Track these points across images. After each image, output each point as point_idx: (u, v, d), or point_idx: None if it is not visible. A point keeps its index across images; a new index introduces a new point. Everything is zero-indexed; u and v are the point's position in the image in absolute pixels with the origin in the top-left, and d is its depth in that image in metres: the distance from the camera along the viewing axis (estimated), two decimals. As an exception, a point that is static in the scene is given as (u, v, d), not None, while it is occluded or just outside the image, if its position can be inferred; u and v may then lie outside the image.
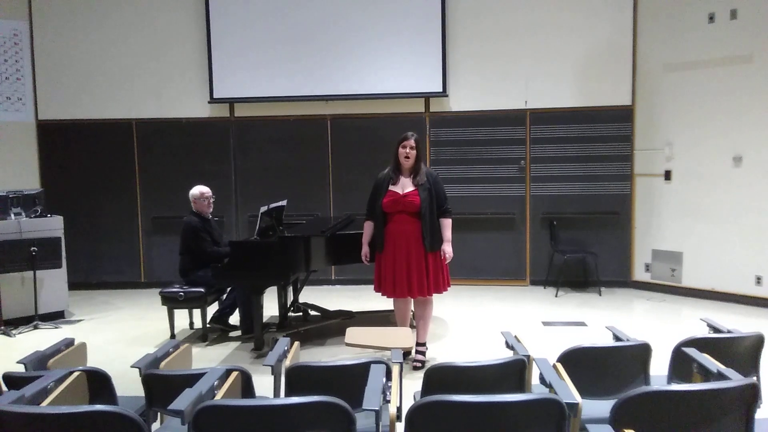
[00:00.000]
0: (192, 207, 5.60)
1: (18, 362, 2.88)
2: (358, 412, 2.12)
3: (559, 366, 2.55)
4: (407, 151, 4.48)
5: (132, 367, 2.74)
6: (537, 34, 7.12)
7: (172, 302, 5.36)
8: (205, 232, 5.49)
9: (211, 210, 5.71)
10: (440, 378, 2.59)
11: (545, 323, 5.82)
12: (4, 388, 2.66)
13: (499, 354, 2.92)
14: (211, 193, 5.66)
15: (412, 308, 4.80)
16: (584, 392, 2.37)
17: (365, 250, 4.70)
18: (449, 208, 4.59)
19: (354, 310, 5.90)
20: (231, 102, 7.50)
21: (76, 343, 3.21)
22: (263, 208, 5.14)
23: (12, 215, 6.06)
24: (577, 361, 2.70)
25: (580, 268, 7.19)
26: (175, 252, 5.87)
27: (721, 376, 2.36)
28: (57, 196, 7.18)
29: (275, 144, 7.50)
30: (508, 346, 3.00)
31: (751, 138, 6.24)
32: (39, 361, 2.90)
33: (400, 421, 2.23)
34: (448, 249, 4.54)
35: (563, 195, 7.21)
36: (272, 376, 2.80)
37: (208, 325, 5.47)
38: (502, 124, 7.24)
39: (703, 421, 2.17)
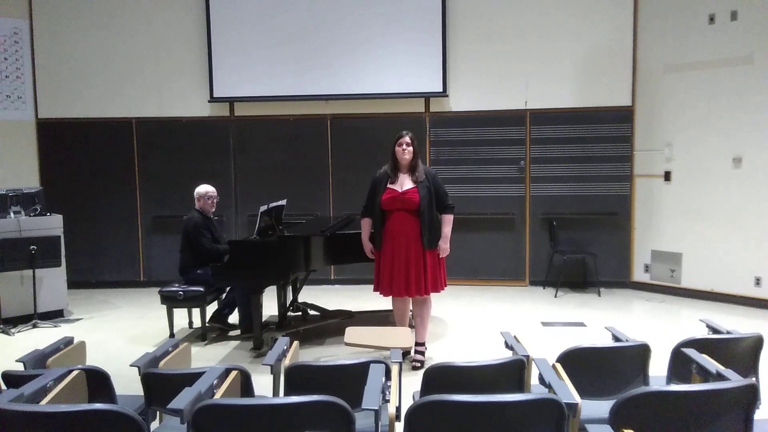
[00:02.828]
0: (196, 204, 5.63)
1: (17, 361, 2.88)
2: (358, 411, 2.12)
3: (559, 366, 2.55)
4: (404, 147, 4.52)
5: (131, 366, 2.74)
6: (537, 34, 7.12)
7: (171, 301, 5.36)
8: (206, 229, 5.51)
9: (214, 209, 5.74)
10: (439, 378, 2.59)
11: (544, 323, 5.82)
12: (3, 387, 2.66)
13: (499, 354, 2.92)
14: (216, 194, 5.71)
15: (411, 308, 4.80)
16: (583, 392, 2.37)
17: (368, 246, 4.70)
18: (452, 205, 4.60)
19: (353, 309, 5.90)
20: (231, 101, 7.50)
21: (75, 341, 3.21)
22: (263, 208, 5.14)
23: (11, 214, 6.06)
24: (576, 362, 2.70)
25: (579, 269, 7.19)
26: (174, 251, 5.87)
27: (720, 377, 2.36)
28: (56, 194, 7.17)
29: (275, 143, 7.50)
30: (508, 346, 3.00)
31: (751, 139, 6.24)
32: (38, 360, 2.89)
33: (399, 420, 2.23)
34: (444, 245, 4.54)
35: (563, 195, 7.21)
36: (271, 376, 2.80)
37: (207, 325, 5.47)
38: (502, 125, 7.24)
39: (702, 421, 2.17)
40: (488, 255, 7.35)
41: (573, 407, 2.11)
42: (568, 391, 2.23)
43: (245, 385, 2.59)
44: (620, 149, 7.11)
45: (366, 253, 4.74)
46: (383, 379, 2.40)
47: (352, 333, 3.66)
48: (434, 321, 5.58)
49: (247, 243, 5.31)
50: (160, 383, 2.63)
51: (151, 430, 2.63)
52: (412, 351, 4.63)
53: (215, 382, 2.34)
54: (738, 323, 4.62)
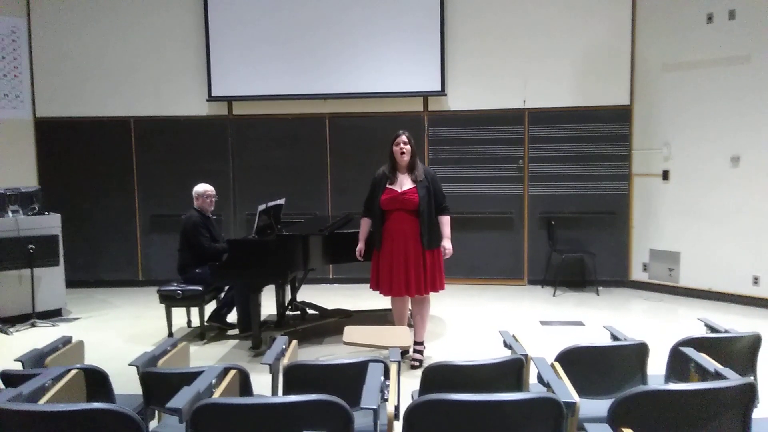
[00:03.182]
0: (194, 203, 5.62)
1: (15, 360, 2.87)
2: (356, 410, 2.12)
3: (557, 365, 2.55)
4: (401, 147, 4.52)
5: (130, 365, 2.74)
6: (536, 33, 7.13)
7: (169, 300, 5.36)
8: (204, 228, 5.50)
9: (212, 208, 5.73)
10: (438, 377, 2.59)
11: (543, 323, 5.83)
12: (2, 386, 2.65)
13: (497, 353, 2.92)
14: (214, 192, 5.71)
15: (410, 307, 4.81)
16: (582, 391, 2.37)
17: (360, 246, 4.74)
18: (448, 206, 4.63)
19: (352, 308, 5.90)
20: (229, 100, 7.49)
21: (73, 341, 3.21)
22: (261, 207, 5.14)
23: (9, 213, 6.05)
24: (574, 361, 2.70)
25: (577, 268, 7.19)
26: (172, 250, 5.86)
27: (718, 376, 2.36)
28: (55, 193, 7.16)
29: (273, 142, 7.49)
30: (506, 345, 3.00)
31: (749, 138, 6.25)
32: (36, 359, 2.89)
33: (398, 419, 2.23)
34: (447, 245, 4.57)
35: (561, 194, 7.21)
36: (270, 375, 2.80)
37: (205, 324, 5.46)
38: (501, 124, 7.24)
39: (700, 420, 2.17)
40: (487, 254, 7.35)
41: (571, 406, 2.11)
42: (566, 390, 2.23)
43: (244, 385, 2.58)
44: (618, 148, 7.12)
45: (356, 252, 4.76)
46: (382, 378, 2.40)
47: (351, 332, 3.66)
48: (433, 320, 5.58)
49: (245, 242, 5.30)
50: (159, 382, 2.63)
51: (150, 429, 2.63)
52: (411, 350, 4.64)
53: (214, 381, 2.34)
54: (736, 322, 4.62)
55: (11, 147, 7.36)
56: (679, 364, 2.76)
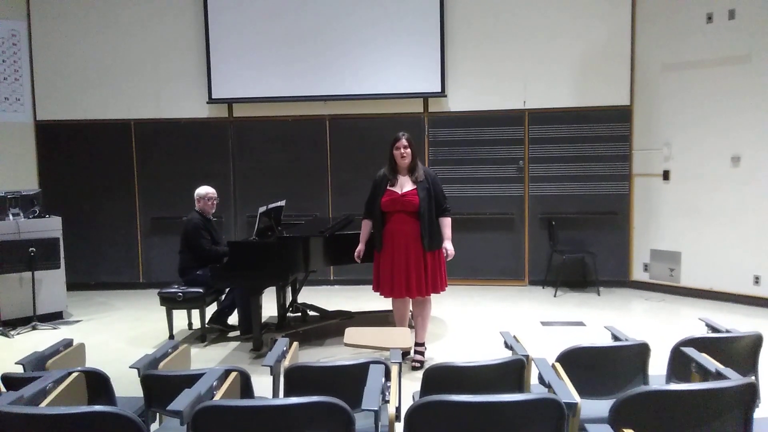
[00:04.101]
0: (195, 205, 5.63)
1: (16, 363, 2.88)
2: (357, 412, 2.12)
3: (558, 366, 2.55)
4: (401, 150, 4.51)
5: (131, 367, 2.74)
6: (536, 34, 7.13)
7: (170, 303, 5.36)
8: (205, 230, 5.51)
9: (214, 211, 5.74)
10: (439, 378, 2.59)
11: (544, 323, 5.82)
12: (3, 389, 2.65)
13: (498, 354, 2.92)
14: (216, 195, 5.71)
15: (411, 308, 4.81)
16: (583, 392, 2.37)
17: (360, 248, 4.73)
18: (448, 207, 4.62)
19: (353, 310, 5.90)
20: (230, 102, 7.49)
21: (74, 343, 3.21)
22: (262, 209, 5.14)
23: (10, 216, 6.06)
24: (575, 361, 2.70)
25: (578, 268, 7.19)
26: (173, 252, 5.87)
27: (719, 376, 2.36)
28: (55, 196, 7.17)
29: (274, 144, 7.50)
30: (507, 346, 3.00)
31: (749, 138, 6.25)
32: (37, 362, 2.89)
33: (399, 421, 2.23)
34: (449, 247, 4.56)
35: (562, 195, 7.21)
36: (271, 377, 2.80)
37: (206, 326, 5.47)
38: (501, 125, 7.25)
39: (701, 420, 2.17)
40: (487, 255, 7.35)
41: (572, 407, 2.11)
42: (567, 391, 2.23)
43: (245, 387, 2.59)
44: (619, 149, 7.12)
45: (355, 253, 4.76)
46: (383, 379, 2.40)
47: (352, 333, 3.65)
48: (434, 321, 5.58)
49: (246, 244, 5.31)
50: (160, 385, 2.63)
51: (151, 431, 2.63)
52: (412, 351, 4.64)
53: (215, 383, 2.34)
54: (737, 322, 4.62)
55: (12, 150, 7.37)
56: (680, 364, 2.75)
